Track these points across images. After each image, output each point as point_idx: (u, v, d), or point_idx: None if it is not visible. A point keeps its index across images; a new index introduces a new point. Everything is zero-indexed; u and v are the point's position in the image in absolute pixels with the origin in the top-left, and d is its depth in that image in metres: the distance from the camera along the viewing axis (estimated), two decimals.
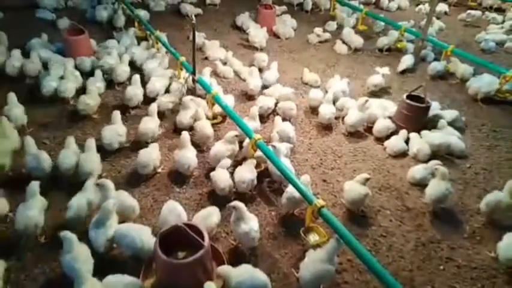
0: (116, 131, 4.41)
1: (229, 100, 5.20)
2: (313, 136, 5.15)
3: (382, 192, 4.27)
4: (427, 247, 3.67)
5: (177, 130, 4.93)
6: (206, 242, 2.83)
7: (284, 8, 9.05)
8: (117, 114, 4.55)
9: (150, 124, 4.58)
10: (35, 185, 3.38)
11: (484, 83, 6.12)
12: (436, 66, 6.77)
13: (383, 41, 7.67)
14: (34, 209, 3.27)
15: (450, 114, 5.39)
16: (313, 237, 3.48)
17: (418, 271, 3.44)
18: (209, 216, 3.45)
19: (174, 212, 3.35)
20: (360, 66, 7.16)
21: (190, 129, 4.81)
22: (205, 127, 4.63)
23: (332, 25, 8.55)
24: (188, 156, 4.13)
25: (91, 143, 4.07)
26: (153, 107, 4.73)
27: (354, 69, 7.01)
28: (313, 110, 5.59)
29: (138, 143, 4.63)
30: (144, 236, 3.08)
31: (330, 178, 4.42)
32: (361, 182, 3.88)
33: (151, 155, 4.12)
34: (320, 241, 3.45)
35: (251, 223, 3.27)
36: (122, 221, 3.40)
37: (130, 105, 5.17)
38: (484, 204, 3.88)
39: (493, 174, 4.61)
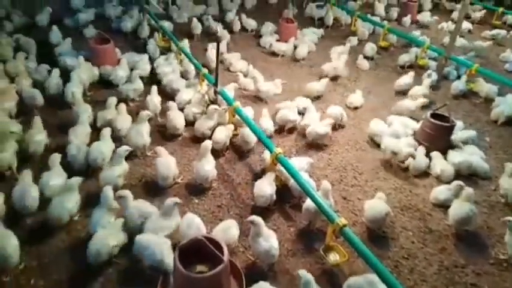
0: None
1: (249, 112, 5.21)
2: (333, 151, 5.09)
3: (404, 213, 4.17)
4: (450, 271, 3.54)
5: (195, 139, 4.98)
6: (226, 256, 2.79)
7: (321, 31, 8.95)
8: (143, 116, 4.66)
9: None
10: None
11: (507, 106, 5.98)
12: (458, 85, 6.63)
13: (404, 58, 7.60)
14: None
15: (468, 134, 5.26)
16: (333, 257, 3.40)
17: None
18: (228, 230, 3.42)
19: (192, 225, 3.33)
20: (381, 82, 7.11)
21: (209, 138, 4.83)
22: (221, 133, 4.70)
23: (353, 40, 8.54)
24: (206, 168, 4.12)
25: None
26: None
27: (375, 85, 6.97)
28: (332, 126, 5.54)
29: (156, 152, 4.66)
30: (164, 249, 3.05)
31: (350, 196, 4.35)
32: (383, 200, 3.81)
33: (170, 166, 4.14)
34: (340, 261, 3.37)
35: (271, 240, 3.23)
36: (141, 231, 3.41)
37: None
38: None
39: None
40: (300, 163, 4.25)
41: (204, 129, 4.91)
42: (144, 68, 6.28)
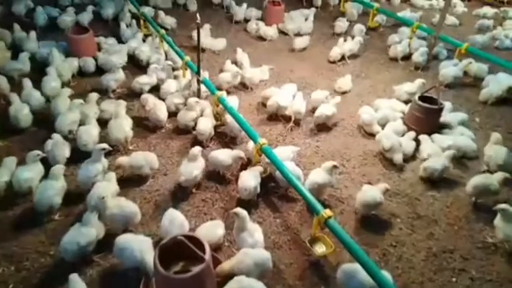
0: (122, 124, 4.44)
1: (233, 101, 5.07)
2: (320, 138, 4.99)
3: (392, 199, 4.11)
4: (439, 257, 3.51)
5: (178, 130, 4.89)
6: (207, 255, 2.72)
7: (313, 9, 8.59)
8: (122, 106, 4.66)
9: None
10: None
11: (496, 86, 5.88)
12: (451, 72, 6.25)
13: (396, 48, 7.03)
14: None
15: (458, 117, 5.18)
16: (319, 248, 3.35)
17: (430, 283, 3.29)
18: (214, 229, 3.36)
19: (175, 222, 3.25)
20: (370, 65, 6.97)
21: (193, 129, 4.78)
22: (204, 124, 4.58)
23: (343, 21, 8.32)
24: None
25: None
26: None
27: (363, 68, 6.83)
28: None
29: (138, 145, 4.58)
30: (144, 249, 2.97)
31: (338, 183, 4.25)
32: (381, 190, 3.76)
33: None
34: (327, 252, 3.32)
35: (256, 235, 3.17)
36: (124, 229, 3.35)
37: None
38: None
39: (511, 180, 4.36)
40: (285, 152, 4.16)
41: (186, 120, 4.78)
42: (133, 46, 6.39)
